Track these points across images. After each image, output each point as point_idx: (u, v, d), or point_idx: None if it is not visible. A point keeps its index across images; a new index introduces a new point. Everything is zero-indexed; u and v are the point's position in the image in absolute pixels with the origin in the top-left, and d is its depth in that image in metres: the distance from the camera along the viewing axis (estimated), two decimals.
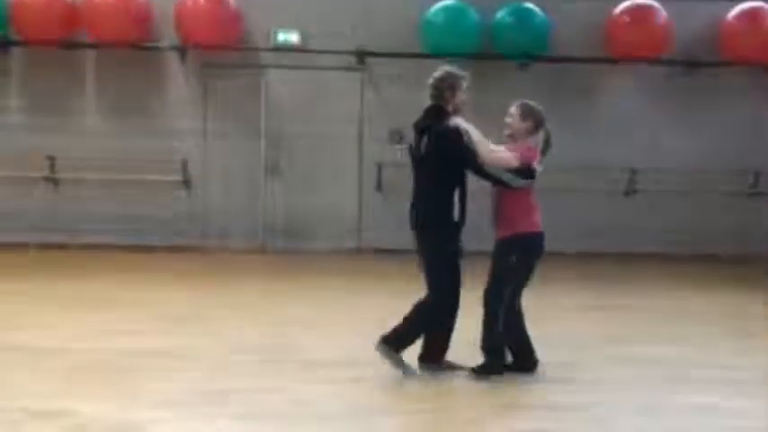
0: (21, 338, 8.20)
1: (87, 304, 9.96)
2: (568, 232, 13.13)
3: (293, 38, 14.73)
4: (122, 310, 9.73)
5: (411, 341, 7.33)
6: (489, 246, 7.37)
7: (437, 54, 14.30)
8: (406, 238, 14.41)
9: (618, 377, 7.43)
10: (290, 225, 14.93)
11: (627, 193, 15.12)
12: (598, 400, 6.87)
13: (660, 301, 11.21)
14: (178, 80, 14.77)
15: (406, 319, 7.33)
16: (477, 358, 7.30)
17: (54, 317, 9.25)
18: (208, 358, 7.73)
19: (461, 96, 7.38)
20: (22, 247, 14.07)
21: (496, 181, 7.22)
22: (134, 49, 14.25)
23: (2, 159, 14.34)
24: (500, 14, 14.38)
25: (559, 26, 14.43)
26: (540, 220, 7.31)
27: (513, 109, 7.39)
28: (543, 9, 14.31)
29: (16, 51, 14.41)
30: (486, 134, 7.29)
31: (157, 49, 14.53)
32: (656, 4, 14.36)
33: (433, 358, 7.43)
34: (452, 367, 7.43)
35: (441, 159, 7.20)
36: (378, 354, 7.26)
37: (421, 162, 7.34)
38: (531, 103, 7.45)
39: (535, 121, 7.35)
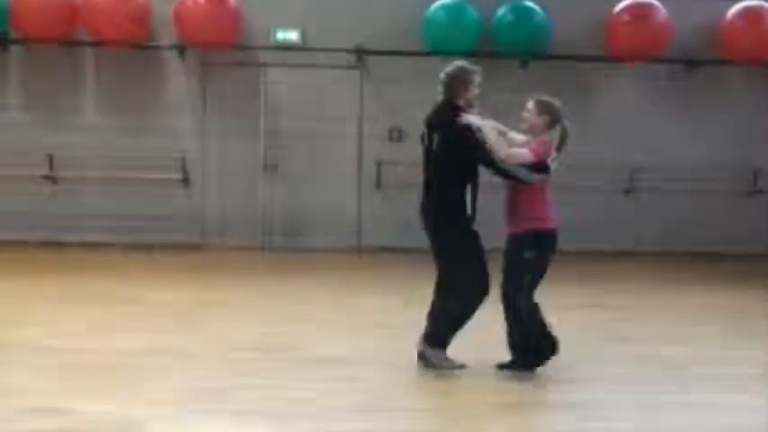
0: (20, 337, 8.19)
1: (86, 302, 9.94)
2: (568, 231, 13.00)
3: (293, 36, 14.72)
4: (121, 308, 9.72)
5: (446, 336, 7.33)
6: (501, 243, 7.37)
7: (437, 52, 14.31)
8: (405, 236, 14.62)
9: (618, 375, 7.43)
10: (289, 223, 14.92)
11: (627, 192, 15.12)
12: (598, 399, 6.87)
13: (660, 300, 11.20)
14: (178, 78, 14.75)
15: (437, 319, 7.32)
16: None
17: (53, 315, 9.24)
18: (207, 356, 7.73)
19: (474, 91, 7.36)
20: (21, 244, 14.06)
21: (510, 176, 7.20)
22: (133, 47, 14.24)
23: (1, 157, 14.32)
24: (500, 12, 14.38)
25: (559, 24, 14.42)
26: (554, 215, 7.30)
27: (531, 104, 7.38)
28: (543, 7, 14.30)
29: (15, 49, 14.39)
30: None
31: (157, 47, 14.52)
32: (656, 3, 14.35)
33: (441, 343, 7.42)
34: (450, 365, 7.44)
35: (454, 158, 7.18)
36: (426, 357, 7.27)
37: (433, 159, 7.32)
38: (549, 98, 7.43)
39: (552, 116, 7.33)
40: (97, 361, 7.42)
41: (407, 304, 9.64)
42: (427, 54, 14.40)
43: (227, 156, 14.81)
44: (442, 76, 7.39)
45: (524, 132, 7.38)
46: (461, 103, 7.32)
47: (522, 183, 7.18)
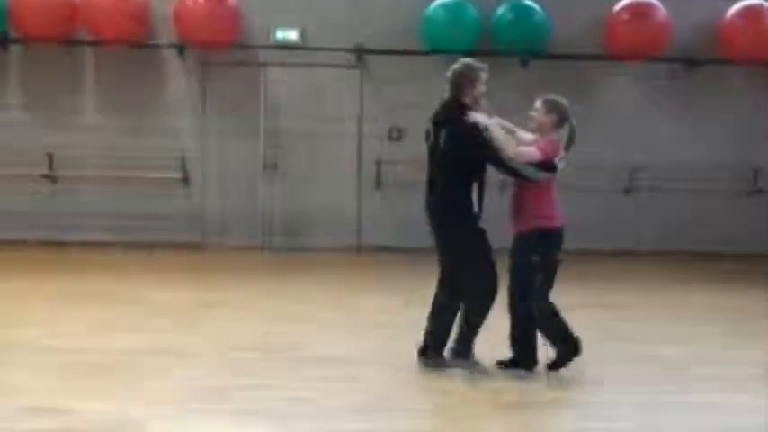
0: (20, 336, 8.19)
1: (86, 302, 9.94)
2: (568, 230, 13.04)
3: (292, 36, 14.72)
4: (121, 307, 9.72)
5: (470, 339, 7.31)
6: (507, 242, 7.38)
7: (436, 51, 14.31)
8: (405, 236, 14.60)
9: (618, 375, 7.42)
10: (289, 223, 14.92)
11: (627, 192, 15.12)
12: (598, 399, 6.87)
13: (660, 300, 11.20)
14: (177, 78, 14.74)
15: (460, 324, 7.31)
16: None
17: (53, 314, 9.24)
18: (207, 356, 7.72)
19: (480, 89, 7.34)
20: (21, 244, 14.06)
21: (518, 175, 7.20)
22: (133, 46, 14.24)
23: (0, 157, 14.32)
24: (500, 11, 14.38)
25: (559, 23, 14.42)
26: (560, 213, 7.30)
27: (539, 103, 7.37)
28: (543, 6, 14.30)
29: (15, 49, 14.38)
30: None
31: (157, 46, 14.51)
32: (656, 2, 14.35)
33: (437, 350, 7.43)
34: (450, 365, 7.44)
35: (461, 156, 7.17)
36: (462, 371, 7.26)
37: (439, 156, 7.30)
38: (557, 97, 7.43)
39: (560, 115, 7.33)
40: (97, 361, 7.42)
41: (408, 304, 9.66)
42: (427, 53, 14.42)
43: (227, 155, 14.81)
44: (449, 73, 7.38)
45: (532, 131, 7.37)
46: (468, 100, 7.30)
47: (530, 181, 7.17)
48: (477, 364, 7.31)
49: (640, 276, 13.09)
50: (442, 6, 14.28)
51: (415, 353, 7.55)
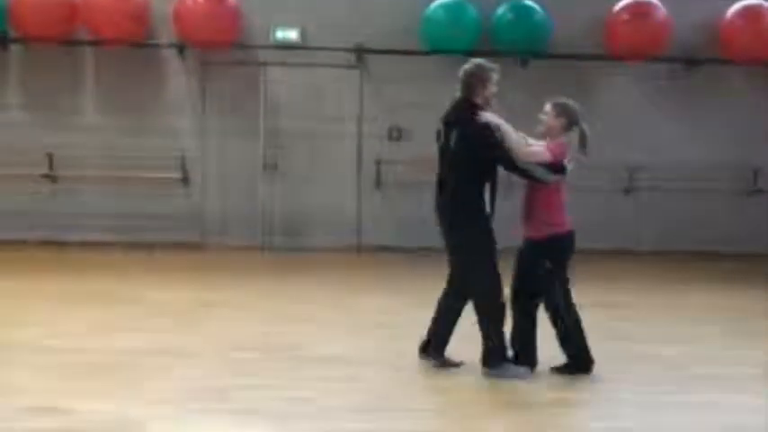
0: (20, 336, 8.19)
1: (86, 302, 9.93)
2: None
3: (292, 35, 14.72)
4: (121, 307, 9.72)
5: (501, 346, 7.25)
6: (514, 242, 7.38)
7: (436, 51, 14.32)
8: (404, 235, 14.60)
9: (618, 375, 7.41)
10: (288, 223, 14.92)
11: (627, 192, 15.12)
12: (597, 398, 6.88)
13: (660, 299, 11.20)
14: (177, 78, 14.74)
15: (483, 336, 7.27)
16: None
17: (53, 314, 9.24)
18: (207, 356, 7.73)
19: (491, 89, 7.30)
20: (20, 244, 14.06)
21: (528, 176, 7.20)
22: (133, 46, 14.24)
23: (0, 156, 14.32)
24: (500, 11, 14.38)
25: (559, 23, 14.42)
26: (568, 217, 7.30)
27: (548, 106, 7.37)
28: (543, 6, 14.31)
29: (15, 48, 14.38)
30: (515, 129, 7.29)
31: (156, 46, 14.51)
32: (656, 2, 14.35)
33: (438, 349, 7.42)
34: (449, 363, 7.43)
35: (472, 156, 7.14)
36: (493, 378, 7.19)
37: (450, 156, 7.26)
38: (567, 100, 7.43)
39: (569, 118, 7.33)
40: (97, 361, 7.42)
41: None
42: (427, 53, 14.42)
43: (227, 155, 14.81)
44: (460, 73, 7.34)
45: (541, 134, 7.34)
46: (479, 100, 7.26)
47: (540, 182, 7.17)
48: (512, 366, 7.24)
49: (640, 276, 13.09)
50: (442, 6, 14.28)
51: (415, 352, 7.55)
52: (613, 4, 14.50)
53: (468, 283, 7.29)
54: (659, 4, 14.33)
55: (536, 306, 7.36)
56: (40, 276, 11.64)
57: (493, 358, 7.22)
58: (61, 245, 14.19)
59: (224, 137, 14.78)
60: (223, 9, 14.06)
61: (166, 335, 8.48)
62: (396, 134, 14.87)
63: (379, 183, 14.87)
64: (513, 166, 7.17)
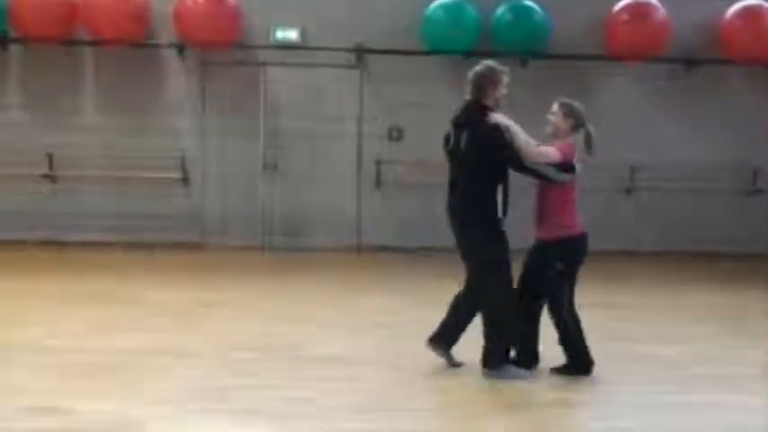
0: (19, 336, 8.19)
1: (86, 302, 9.94)
2: None
3: (292, 35, 14.72)
4: (121, 307, 9.72)
5: (501, 347, 7.24)
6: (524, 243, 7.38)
7: (436, 51, 14.32)
8: (404, 235, 14.59)
9: (618, 375, 7.41)
10: (288, 223, 14.92)
11: (627, 192, 15.12)
12: (597, 398, 6.88)
13: (660, 300, 11.21)
14: (177, 78, 14.74)
15: (485, 337, 7.25)
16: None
17: (52, 314, 9.24)
18: (207, 356, 7.72)
19: (501, 91, 7.28)
20: (20, 244, 14.06)
21: (539, 175, 7.19)
22: (133, 46, 14.24)
23: (0, 157, 14.32)
24: (499, 11, 14.38)
25: (559, 23, 14.42)
26: (579, 218, 7.31)
27: (555, 107, 7.38)
28: (542, 6, 14.31)
29: (15, 48, 14.37)
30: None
31: (156, 46, 14.51)
32: (656, 2, 14.35)
33: (447, 342, 7.41)
34: (452, 362, 7.42)
35: (483, 157, 7.11)
36: (493, 379, 7.17)
37: (461, 159, 7.23)
38: (573, 102, 7.44)
39: (576, 119, 7.35)
40: (97, 361, 7.42)
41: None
42: (427, 53, 14.42)
43: (227, 155, 14.81)
44: (470, 74, 7.31)
45: (550, 134, 7.33)
46: (489, 102, 7.24)
47: (551, 182, 7.16)
48: (512, 369, 7.22)
49: (640, 276, 13.10)
50: (442, 6, 14.27)
51: (415, 352, 7.55)
52: (613, 5, 14.50)
53: (477, 284, 7.27)
54: (659, 4, 14.33)
55: (540, 307, 7.35)
56: (40, 276, 11.64)
57: (493, 359, 7.21)
58: (61, 245, 14.19)
59: (224, 137, 14.78)
60: (223, 9, 14.06)
61: (166, 335, 8.48)
62: (396, 134, 14.87)
63: (378, 183, 14.87)
64: (522, 166, 7.15)
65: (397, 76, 14.72)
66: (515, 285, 7.30)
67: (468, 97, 7.33)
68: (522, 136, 7.11)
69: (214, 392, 6.64)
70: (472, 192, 7.17)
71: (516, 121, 7.38)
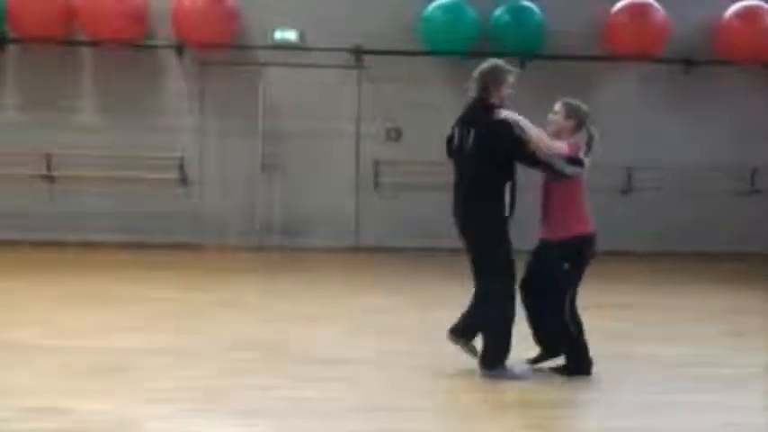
0: (18, 336, 8.17)
1: (84, 302, 9.93)
2: None
3: (291, 36, 14.72)
4: (120, 307, 9.71)
5: (504, 347, 7.19)
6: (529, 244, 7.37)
7: (435, 52, 14.32)
8: (403, 235, 14.59)
9: (617, 375, 7.41)
10: (287, 223, 14.92)
11: (624, 192, 15.13)
12: (597, 398, 6.88)
13: (658, 299, 11.21)
14: (176, 78, 14.74)
15: (483, 336, 7.24)
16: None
17: (51, 314, 9.23)
18: (206, 356, 7.71)
19: (506, 90, 7.23)
20: (20, 244, 14.05)
21: (549, 168, 7.15)
22: (131, 46, 14.23)
23: None
24: (498, 12, 14.38)
25: (558, 24, 14.42)
26: (590, 217, 7.31)
27: (558, 106, 7.37)
28: (541, 7, 14.31)
29: (13, 48, 14.37)
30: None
31: (155, 46, 14.51)
32: (655, 3, 14.35)
33: (467, 336, 7.37)
34: (471, 350, 7.38)
35: (490, 155, 7.04)
36: (491, 378, 7.15)
37: (467, 158, 7.15)
38: (576, 101, 7.44)
39: (578, 119, 7.35)
40: (97, 361, 7.41)
41: None
42: (426, 54, 14.43)
43: (226, 155, 14.81)
44: (476, 73, 7.25)
45: (553, 134, 7.29)
46: (494, 101, 7.18)
47: (561, 175, 7.13)
48: (509, 372, 7.20)
49: (640, 276, 13.10)
50: (441, 7, 14.27)
51: (414, 353, 7.55)
52: (612, 5, 14.50)
53: (480, 282, 7.26)
54: (657, 5, 14.33)
55: (546, 306, 7.31)
56: (40, 276, 11.63)
57: (492, 359, 7.21)
58: (61, 245, 14.18)
59: (223, 137, 14.78)
60: (222, 10, 14.06)
61: (166, 335, 8.47)
62: (394, 134, 14.87)
63: (377, 183, 14.88)
64: (532, 159, 7.09)
65: (395, 77, 14.72)
66: (521, 285, 7.28)
67: (472, 95, 7.29)
68: (533, 129, 7.05)
69: (213, 392, 6.63)
70: (478, 191, 7.10)
71: None
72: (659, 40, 14.40)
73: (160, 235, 14.51)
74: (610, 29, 14.50)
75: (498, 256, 7.11)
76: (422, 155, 13.99)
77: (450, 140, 7.36)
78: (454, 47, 14.03)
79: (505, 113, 7.09)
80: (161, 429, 5.86)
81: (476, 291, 7.34)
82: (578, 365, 7.30)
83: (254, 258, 14.16)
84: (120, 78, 14.53)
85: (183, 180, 14.70)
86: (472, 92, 7.26)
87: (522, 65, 14.40)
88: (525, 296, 7.33)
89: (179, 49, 14.40)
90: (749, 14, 14.62)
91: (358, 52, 14.67)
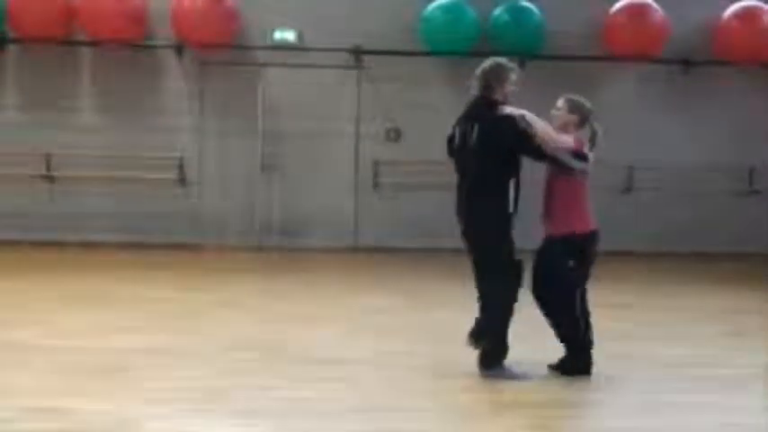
0: (18, 336, 8.18)
1: (84, 302, 9.94)
2: None
3: (290, 36, 14.72)
4: (119, 307, 9.71)
5: (503, 348, 7.20)
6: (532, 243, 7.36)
7: (434, 52, 14.32)
8: (402, 236, 14.59)
9: (617, 375, 7.42)
10: (286, 223, 14.92)
11: (625, 191, 15.13)
12: (597, 398, 6.89)
13: (659, 300, 11.21)
14: (175, 78, 14.73)
15: (485, 337, 7.24)
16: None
17: (51, 314, 9.23)
18: (205, 356, 7.72)
19: (509, 88, 7.22)
20: (19, 244, 14.05)
21: (554, 161, 7.13)
22: (131, 46, 14.24)
23: None
24: (498, 12, 14.38)
25: (557, 24, 14.42)
26: (592, 215, 7.30)
27: (561, 102, 7.38)
28: (541, 7, 14.32)
29: (13, 48, 14.36)
30: None
31: (154, 46, 14.51)
32: (654, 3, 14.36)
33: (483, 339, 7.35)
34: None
35: (494, 150, 7.01)
36: (490, 377, 7.15)
37: (472, 154, 7.12)
38: (579, 97, 7.45)
39: (581, 115, 7.35)
40: (97, 361, 7.41)
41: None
42: (425, 54, 14.43)
43: (225, 155, 14.81)
44: (478, 71, 7.25)
45: (557, 129, 7.29)
46: (498, 97, 7.17)
47: (567, 168, 7.11)
48: (508, 372, 7.20)
49: (640, 276, 13.09)
50: (441, 7, 14.27)
51: (414, 353, 7.55)
52: (611, 6, 14.50)
53: (482, 284, 7.25)
54: (657, 5, 14.34)
55: (556, 304, 7.29)
56: (40, 276, 11.63)
57: (491, 359, 7.21)
58: (61, 245, 14.18)
59: (222, 137, 14.78)
60: (221, 10, 14.06)
61: (166, 335, 8.47)
62: (393, 135, 14.87)
63: (376, 183, 14.88)
64: (538, 152, 7.07)
65: (395, 77, 14.72)
66: (525, 285, 7.26)
67: (474, 93, 7.27)
68: (539, 123, 7.03)
69: (212, 392, 6.63)
70: (482, 186, 7.07)
71: None
72: (658, 40, 14.40)
73: (159, 235, 14.51)
74: (609, 29, 14.50)
75: (501, 252, 7.09)
76: (421, 155, 14.00)
77: (450, 140, 7.35)
78: (454, 47, 14.02)
79: (510, 109, 7.07)
80: (160, 429, 5.87)
81: (479, 294, 7.35)
82: (577, 364, 7.30)
83: (253, 258, 14.16)
84: (119, 78, 14.52)
85: (183, 180, 14.70)
86: (474, 90, 7.25)
87: (521, 65, 14.41)
88: (540, 305, 7.32)
89: (178, 50, 14.40)
90: (748, 15, 14.62)
91: (357, 52, 14.67)
